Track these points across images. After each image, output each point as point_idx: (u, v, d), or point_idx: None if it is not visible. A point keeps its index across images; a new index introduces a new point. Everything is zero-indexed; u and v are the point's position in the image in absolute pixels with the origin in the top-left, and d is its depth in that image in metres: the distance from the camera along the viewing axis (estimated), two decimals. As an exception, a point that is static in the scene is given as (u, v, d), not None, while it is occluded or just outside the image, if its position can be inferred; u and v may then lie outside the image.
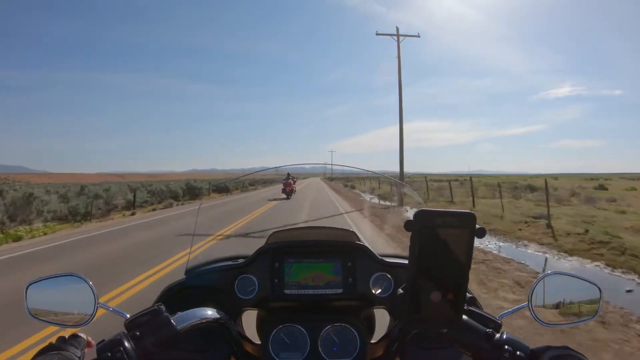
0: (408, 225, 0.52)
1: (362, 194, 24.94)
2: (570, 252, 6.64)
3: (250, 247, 1.04)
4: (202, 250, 5.81)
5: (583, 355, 0.55)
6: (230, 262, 1.02)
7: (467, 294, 0.69)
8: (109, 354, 0.56)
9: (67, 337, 0.62)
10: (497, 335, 0.59)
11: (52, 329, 3.07)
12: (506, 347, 0.57)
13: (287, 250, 0.98)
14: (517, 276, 4.90)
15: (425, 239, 0.52)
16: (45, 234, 9.26)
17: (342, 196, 20.96)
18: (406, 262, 0.98)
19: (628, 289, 4.72)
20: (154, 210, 14.96)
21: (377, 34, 17.83)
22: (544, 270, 5.47)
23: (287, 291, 0.94)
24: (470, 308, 0.62)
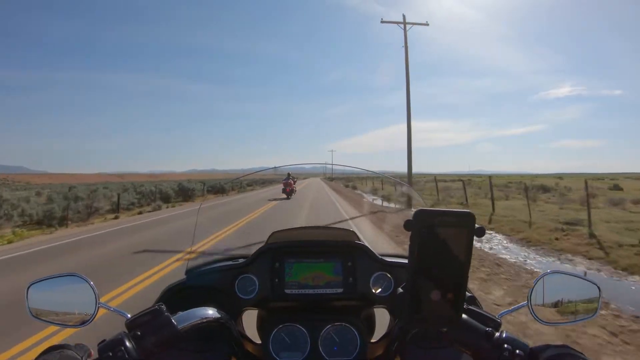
0: (407, 224, 0.53)
1: (365, 195, 23.49)
2: (631, 270, 5.25)
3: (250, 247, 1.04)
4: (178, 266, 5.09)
5: (582, 353, 0.55)
6: (230, 262, 1.02)
7: (467, 293, 0.69)
8: (110, 354, 0.56)
9: (73, 345, 0.62)
10: (497, 334, 0.59)
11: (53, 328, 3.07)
12: (506, 345, 0.57)
13: (287, 250, 0.99)
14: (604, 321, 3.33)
15: (425, 239, 0.52)
16: (10, 242, 8.14)
17: (343, 197, 19.99)
18: (406, 261, 0.99)
19: None
20: (139, 213, 14.01)
21: (382, 22, 16.77)
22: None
23: (287, 291, 0.95)
24: (469, 307, 0.62)
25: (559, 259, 6.25)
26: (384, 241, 7.06)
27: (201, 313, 0.70)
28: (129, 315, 0.65)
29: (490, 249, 7.10)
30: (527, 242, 7.49)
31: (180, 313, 0.68)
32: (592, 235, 7.38)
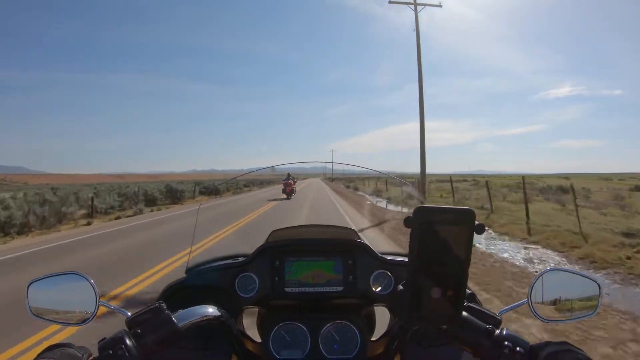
0: (407, 221, 0.53)
1: (368, 197, 21.38)
2: None
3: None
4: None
5: (582, 350, 0.55)
6: (230, 261, 1.02)
7: (467, 290, 0.69)
8: (111, 352, 0.56)
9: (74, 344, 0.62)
10: (497, 332, 0.59)
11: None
12: (506, 343, 0.57)
13: (287, 248, 0.98)
14: None
15: (425, 236, 0.52)
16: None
17: (344, 199, 18.34)
18: (406, 259, 0.99)
19: None
20: (117, 218, 12.46)
21: (390, 2, 15.36)
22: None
23: (287, 289, 0.95)
24: (470, 304, 0.62)
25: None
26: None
27: (201, 311, 0.70)
28: (129, 314, 0.65)
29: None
30: (591, 263, 5.58)
31: (181, 311, 0.68)
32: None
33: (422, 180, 15.17)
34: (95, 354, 0.57)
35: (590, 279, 0.70)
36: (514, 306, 0.70)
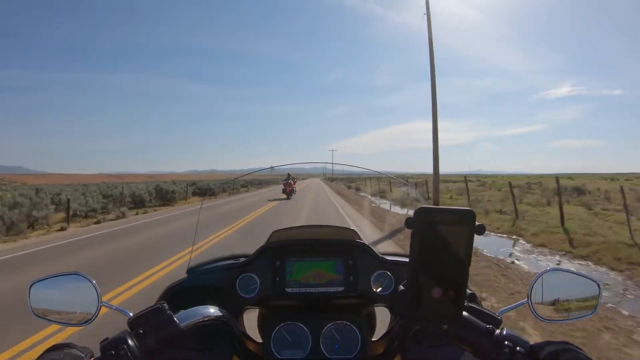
0: (409, 222, 0.53)
1: (371, 199, 19.81)
2: None
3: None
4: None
5: (582, 350, 0.55)
6: (231, 261, 1.02)
7: (467, 290, 0.69)
8: (113, 352, 0.56)
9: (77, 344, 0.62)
10: (498, 332, 0.59)
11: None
12: (506, 343, 0.57)
13: (288, 248, 0.99)
14: None
15: (425, 236, 0.52)
16: None
17: (346, 200, 16.79)
18: (407, 260, 0.99)
19: None
20: (97, 223, 11.30)
21: None
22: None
23: (288, 289, 0.95)
24: (470, 304, 0.62)
25: None
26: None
27: (203, 312, 0.70)
28: (131, 314, 0.65)
29: (617, 303, 3.89)
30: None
31: (182, 312, 0.68)
32: None
33: (435, 181, 14.09)
34: (98, 354, 0.57)
35: (590, 279, 0.71)
36: (514, 306, 0.70)
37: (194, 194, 22.20)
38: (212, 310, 0.72)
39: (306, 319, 0.90)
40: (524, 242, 7.43)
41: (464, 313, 0.60)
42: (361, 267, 0.97)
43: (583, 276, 0.71)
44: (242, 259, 1.01)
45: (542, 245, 7.04)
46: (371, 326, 1.03)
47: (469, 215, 0.52)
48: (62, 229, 10.05)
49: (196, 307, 0.70)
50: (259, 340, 0.96)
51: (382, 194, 22.36)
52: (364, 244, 1.00)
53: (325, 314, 0.92)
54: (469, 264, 0.53)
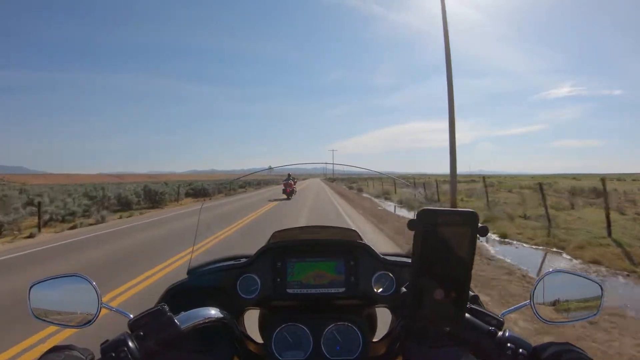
0: (411, 224, 0.53)
1: (376, 201, 18.42)
2: None
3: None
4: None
5: (584, 351, 0.55)
6: (232, 262, 1.02)
7: (470, 292, 0.69)
8: (113, 354, 0.56)
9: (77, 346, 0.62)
10: (500, 333, 0.59)
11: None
12: (509, 344, 0.57)
13: (289, 249, 0.98)
14: None
15: (428, 238, 0.52)
16: None
17: (351, 204, 15.28)
18: (408, 260, 0.99)
19: None
20: (73, 228, 10.35)
21: None
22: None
23: (289, 290, 0.95)
24: (472, 306, 0.62)
25: None
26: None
27: (203, 313, 0.70)
28: (131, 316, 0.65)
29: None
30: None
31: (183, 313, 0.68)
32: None
33: (452, 182, 12.88)
34: (98, 356, 0.57)
35: (592, 280, 0.70)
36: (517, 308, 0.70)
37: (187, 195, 21.09)
38: (213, 312, 0.72)
39: (307, 320, 0.89)
40: (569, 258, 6.09)
41: (466, 315, 0.59)
42: (362, 268, 0.97)
43: (585, 277, 0.71)
44: (242, 260, 1.01)
45: (596, 262, 5.65)
46: (372, 327, 1.03)
47: (472, 217, 0.52)
48: (31, 235, 9.01)
49: (197, 309, 0.70)
50: (260, 341, 0.95)
51: (386, 196, 21.31)
52: (365, 244, 1.00)
53: (326, 314, 0.92)
54: (472, 266, 0.53)
